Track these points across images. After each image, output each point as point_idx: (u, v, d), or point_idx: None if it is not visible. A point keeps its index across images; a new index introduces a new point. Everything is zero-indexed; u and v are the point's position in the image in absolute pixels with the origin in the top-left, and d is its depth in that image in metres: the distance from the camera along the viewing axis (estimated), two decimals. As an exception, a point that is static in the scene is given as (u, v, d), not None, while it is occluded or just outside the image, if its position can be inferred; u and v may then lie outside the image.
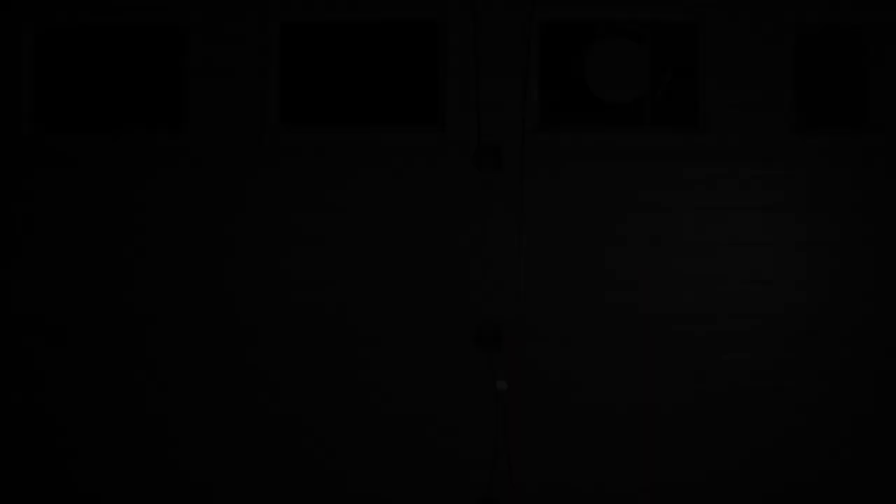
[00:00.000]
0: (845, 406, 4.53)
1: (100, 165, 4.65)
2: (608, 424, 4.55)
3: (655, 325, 4.55)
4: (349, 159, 4.61)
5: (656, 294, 4.56)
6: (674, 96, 4.70)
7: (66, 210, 4.66)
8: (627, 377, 4.57)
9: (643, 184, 4.57)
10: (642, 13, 4.62)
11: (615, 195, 4.57)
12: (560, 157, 4.57)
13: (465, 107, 4.59)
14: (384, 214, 4.58)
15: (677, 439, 4.55)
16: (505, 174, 4.56)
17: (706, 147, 4.58)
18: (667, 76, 4.71)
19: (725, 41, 4.59)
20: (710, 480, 4.54)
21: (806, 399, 4.52)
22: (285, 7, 4.62)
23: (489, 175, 4.56)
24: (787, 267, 4.57)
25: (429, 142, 4.59)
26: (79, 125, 4.76)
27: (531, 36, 4.56)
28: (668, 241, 4.57)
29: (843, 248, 4.55)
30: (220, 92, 4.63)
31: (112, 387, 4.64)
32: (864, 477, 4.52)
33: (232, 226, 4.61)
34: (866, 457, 4.52)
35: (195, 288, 4.62)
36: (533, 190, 4.55)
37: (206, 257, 4.62)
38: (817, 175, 4.56)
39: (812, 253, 4.55)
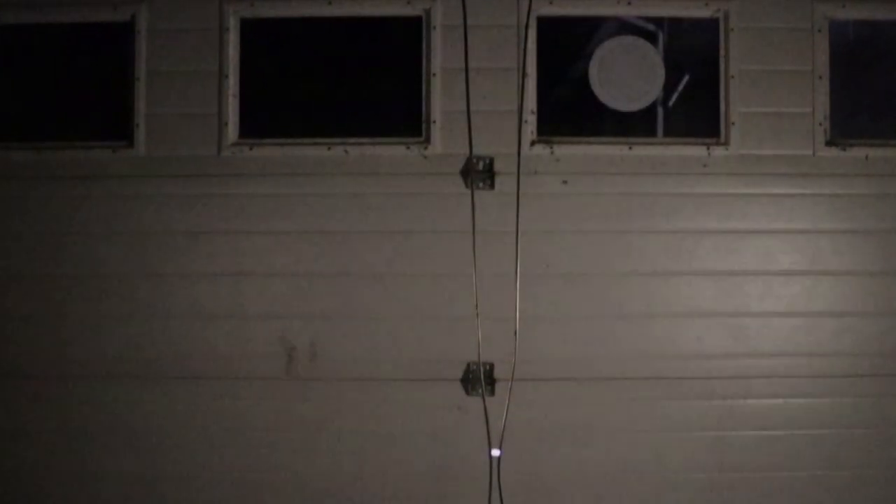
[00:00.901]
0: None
1: (36, 182, 4.05)
2: (617, 485, 3.98)
3: (670, 364, 3.97)
4: (319, 175, 4.01)
5: (672, 330, 3.98)
6: (691, 103, 4.12)
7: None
8: (639, 426, 3.99)
9: (656, 203, 3.99)
10: (659, 9, 4.03)
11: (624, 216, 3.99)
12: (561, 173, 3.99)
13: (452, 116, 3.99)
14: (358, 238, 3.99)
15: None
16: (498, 192, 3.97)
17: (728, 161, 4.00)
18: (683, 80, 4.12)
19: (753, 39, 4.00)
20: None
21: (849, 452, 3.95)
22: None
23: (480, 193, 3.97)
24: (824, 298, 3.99)
25: (410, 156, 4.00)
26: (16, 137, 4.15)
27: (529, 35, 3.96)
28: (685, 269, 3.98)
29: (887, 277, 3.97)
30: (172, 100, 4.03)
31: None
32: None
33: (184, 257, 4.02)
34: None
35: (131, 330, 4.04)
36: (530, 210, 3.96)
37: (148, 293, 4.03)
38: (856, 194, 3.98)
39: (852, 282, 3.98)
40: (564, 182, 3.96)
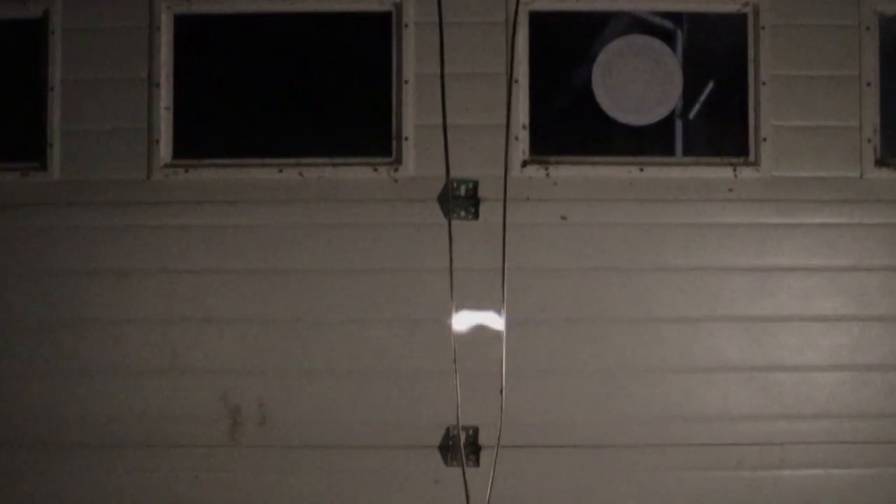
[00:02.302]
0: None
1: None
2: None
3: (690, 428, 3.32)
4: (269, 203, 3.36)
5: (691, 387, 3.32)
6: (714, 115, 3.46)
7: None
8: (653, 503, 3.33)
9: (672, 236, 3.33)
10: (676, 2, 3.37)
11: (634, 251, 3.33)
12: (558, 199, 3.33)
13: (428, 132, 3.34)
14: (316, 278, 3.33)
15: None
16: (483, 222, 3.32)
17: (758, 185, 3.34)
18: (705, 88, 3.47)
19: (788, 39, 3.34)
20: None
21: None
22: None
23: (462, 223, 3.32)
24: (873, 349, 3.32)
25: (378, 179, 3.35)
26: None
27: (519, 34, 3.30)
28: (708, 314, 3.32)
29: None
30: (93, 113, 3.38)
31: None
32: None
33: (108, 301, 3.36)
34: None
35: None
36: (522, 243, 3.30)
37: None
38: (912, 225, 3.33)
39: (907, 331, 3.33)
40: (563, 218, 3.30)
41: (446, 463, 3.32)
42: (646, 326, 3.32)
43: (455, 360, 3.25)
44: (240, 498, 3.34)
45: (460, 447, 3.28)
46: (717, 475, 3.33)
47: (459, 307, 3.28)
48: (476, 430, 3.30)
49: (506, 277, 3.26)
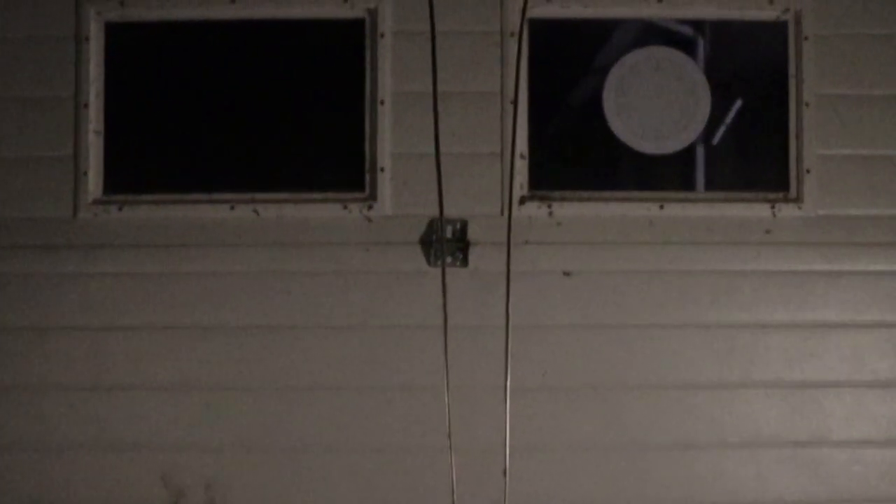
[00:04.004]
0: None
1: None
2: None
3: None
4: (218, 247, 2.81)
5: (721, 466, 2.79)
6: (748, 142, 2.93)
7: None
8: None
9: (698, 286, 2.80)
10: (702, 9, 2.84)
11: (652, 304, 2.79)
12: (562, 242, 2.80)
13: (407, 162, 2.80)
14: (275, 336, 2.79)
15: None
16: (473, 271, 2.78)
17: (801, 225, 2.81)
18: (734, 108, 2.93)
19: (836, 51, 2.82)
20: None
21: None
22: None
23: (448, 272, 2.78)
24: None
25: (349, 218, 2.81)
26: None
27: (520, 47, 2.77)
28: (740, 379, 2.79)
29: None
30: (7, 138, 2.84)
31: None
32: None
33: (24, 363, 2.82)
34: None
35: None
36: (518, 296, 2.76)
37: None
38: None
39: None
40: (567, 274, 2.76)
41: (432, 560, 2.79)
42: (667, 394, 2.79)
43: (449, 434, 2.71)
44: None
45: (454, 541, 2.73)
46: (754, 570, 2.80)
47: (451, 366, 2.74)
48: (465, 520, 2.76)
49: (508, 337, 2.73)
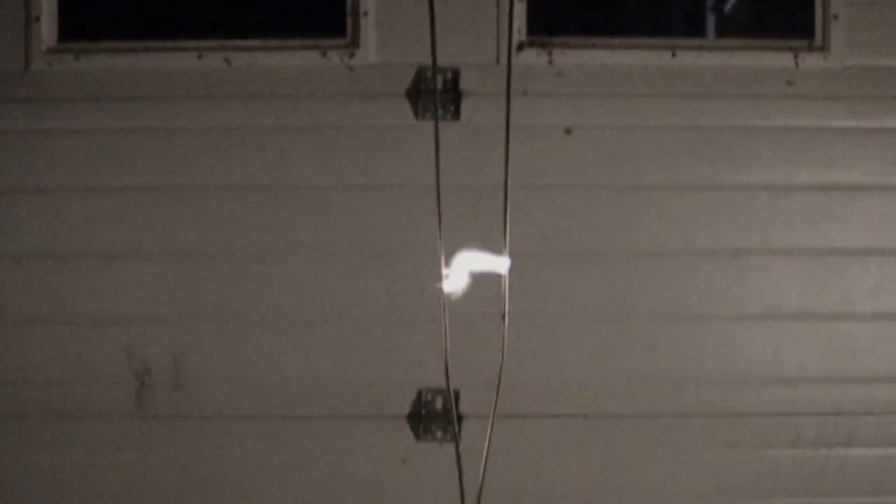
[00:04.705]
0: None
1: None
2: None
3: (732, 393, 2.57)
4: (185, 99, 2.55)
5: (735, 340, 2.56)
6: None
7: None
8: (684, 489, 2.58)
9: (713, 143, 2.55)
10: None
11: (662, 163, 2.54)
12: (564, 95, 2.54)
13: (394, 5, 2.53)
14: (248, 197, 2.55)
15: None
16: (466, 125, 2.52)
17: (826, 76, 2.55)
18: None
19: None
20: None
21: None
22: None
23: (439, 126, 2.50)
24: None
25: (329, 67, 2.54)
26: None
27: None
28: (758, 245, 2.55)
29: None
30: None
31: None
32: None
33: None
34: None
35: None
36: (515, 152, 2.49)
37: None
38: None
39: None
40: (568, 132, 2.51)
41: (417, 437, 2.57)
42: (677, 261, 2.55)
43: (444, 302, 2.45)
44: (148, 483, 2.57)
45: (453, 413, 2.50)
46: (767, 454, 2.58)
47: (444, 229, 2.48)
48: (457, 395, 2.53)
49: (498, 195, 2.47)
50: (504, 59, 2.49)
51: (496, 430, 2.45)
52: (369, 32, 2.52)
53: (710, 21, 2.65)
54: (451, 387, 2.48)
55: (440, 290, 2.42)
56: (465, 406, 2.52)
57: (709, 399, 2.56)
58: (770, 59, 2.54)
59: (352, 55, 2.53)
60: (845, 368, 2.56)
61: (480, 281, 2.48)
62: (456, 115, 2.51)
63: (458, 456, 2.40)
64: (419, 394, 2.54)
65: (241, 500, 2.59)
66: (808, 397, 2.56)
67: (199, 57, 2.54)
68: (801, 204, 2.54)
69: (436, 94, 2.46)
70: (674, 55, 2.53)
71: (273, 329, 2.55)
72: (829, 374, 2.56)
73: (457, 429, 2.48)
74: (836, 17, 2.53)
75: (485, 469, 2.38)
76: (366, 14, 2.52)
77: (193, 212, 2.54)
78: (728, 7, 2.87)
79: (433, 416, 2.55)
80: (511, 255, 2.45)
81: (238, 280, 2.53)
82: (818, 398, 2.57)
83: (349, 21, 2.54)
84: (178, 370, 2.55)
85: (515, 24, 2.52)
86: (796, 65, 2.54)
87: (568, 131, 2.53)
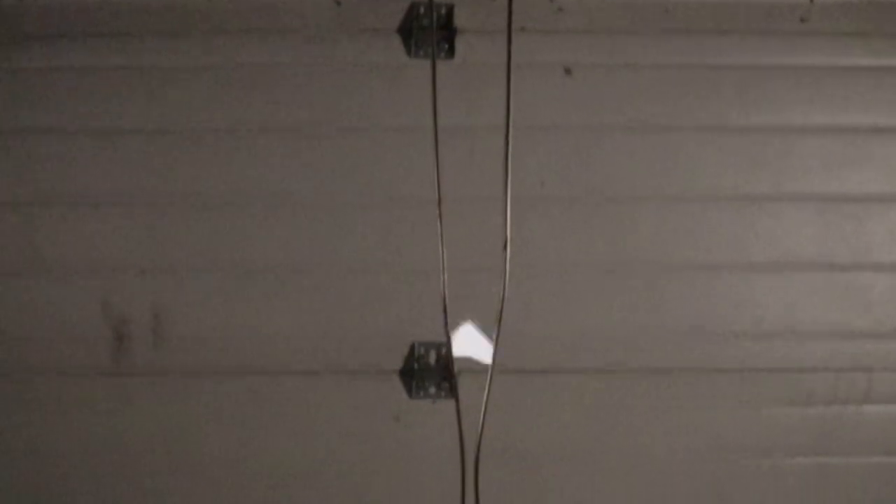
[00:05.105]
0: None
1: None
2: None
3: (740, 346, 2.44)
4: (158, 36, 2.40)
5: (743, 291, 2.43)
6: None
7: None
8: (686, 449, 2.46)
9: (722, 82, 2.40)
10: None
11: (667, 104, 2.40)
12: (565, 31, 2.40)
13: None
14: (227, 140, 2.41)
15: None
16: (461, 63, 2.38)
17: (843, 12, 2.40)
18: None
19: None
20: None
21: None
22: None
23: (431, 64, 2.37)
24: None
25: (315, 2, 2.39)
26: None
27: None
28: (769, 191, 2.41)
29: None
30: None
31: None
32: None
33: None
34: None
35: None
36: (515, 94, 2.36)
37: None
38: None
39: None
40: (567, 72, 2.37)
41: (411, 394, 2.44)
42: (683, 207, 2.41)
43: (442, 250, 2.32)
44: (125, 443, 2.45)
45: (451, 365, 2.37)
46: (778, 412, 2.45)
47: (427, 180, 2.35)
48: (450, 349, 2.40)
49: (494, 137, 2.33)
50: (504, -12, 2.34)
51: (495, 385, 2.33)
52: (354, -41, 2.38)
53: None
54: (439, 342, 2.36)
55: (437, 238, 2.30)
56: (460, 361, 2.39)
57: (716, 353, 2.43)
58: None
59: (334, -18, 2.39)
60: (861, 321, 2.43)
61: (477, 230, 2.36)
62: (450, 52, 2.37)
63: (459, 410, 2.29)
64: (412, 347, 2.41)
65: (224, 459, 2.47)
66: (821, 352, 2.43)
67: (173, -14, 2.39)
68: (816, 147, 2.40)
69: (433, 30, 2.32)
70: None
71: (259, 280, 2.41)
72: (844, 326, 2.43)
73: (455, 384, 2.35)
74: (853, -54, 2.38)
75: (483, 424, 2.26)
76: (354, -55, 2.38)
77: (175, 156, 2.39)
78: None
79: (427, 371, 2.41)
80: (495, 202, 2.31)
81: (222, 228, 2.39)
82: (832, 352, 2.43)
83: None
84: (157, 323, 2.41)
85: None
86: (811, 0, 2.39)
87: (568, 71, 2.39)
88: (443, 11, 2.38)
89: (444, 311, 2.33)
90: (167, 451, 2.45)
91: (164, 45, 2.39)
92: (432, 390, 2.42)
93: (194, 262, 2.40)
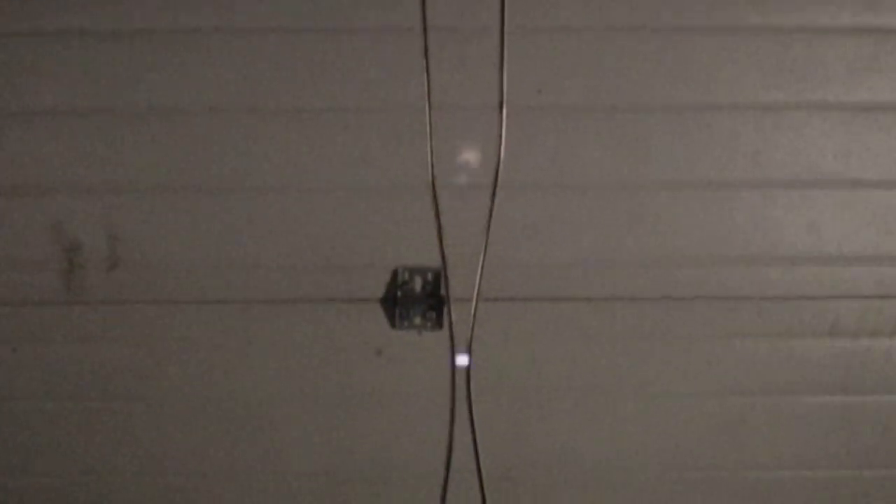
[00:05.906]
0: None
1: None
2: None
3: (758, 273, 2.22)
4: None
5: (761, 215, 2.21)
6: None
7: None
8: (700, 387, 2.24)
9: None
10: None
11: (680, 0, 2.16)
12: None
13: None
14: (191, 41, 2.16)
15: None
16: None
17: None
18: None
19: None
20: None
21: None
22: None
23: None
24: None
25: None
26: None
27: None
28: (790, 99, 2.18)
29: None
30: None
31: None
32: None
33: None
34: None
35: None
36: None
37: None
38: None
39: None
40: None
41: (393, 324, 2.21)
42: (696, 117, 2.18)
43: (432, 166, 2.10)
44: (79, 378, 2.22)
45: (447, 292, 2.14)
46: (799, 344, 2.23)
47: (417, 88, 2.12)
48: (438, 275, 2.17)
49: (487, 40, 2.10)
50: None
51: (489, 317, 2.12)
52: None
53: None
54: (433, 267, 2.13)
55: (422, 152, 2.08)
56: (452, 288, 2.16)
57: (731, 280, 2.21)
58: None
59: None
60: (889, 244, 2.20)
61: (466, 145, 2.14)
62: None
63: (452, 338, 2.08)
64: (394, 273, 2.18)
65: (185, 396, 2.24)
66: (847, 278, 2.21)
67: None
68: (842, 50, 2.16)
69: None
70: None
71: (225, 200, 2.18)
72: (872, 250, 2.21)
73: (448, 309, 2.13)
74: None
75: (470, 351, 2.04)
76: None
77: (133, 60, 2.15)
78: None
79: (411, 299, 2.18)
80: (486, 110, 2.09)
81: (184, 142, 2.16)
82: (859, 279, 2.21)
83: None
84: (113, 247, 2.18)
85: None
86: None
87: (567, -29, 2.15)
88: None
89: (439, 231, 2.11)
90: (125, 386, 2.22)
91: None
92: (417, 320, 2.19)
93: (154, 181, 2.17)
